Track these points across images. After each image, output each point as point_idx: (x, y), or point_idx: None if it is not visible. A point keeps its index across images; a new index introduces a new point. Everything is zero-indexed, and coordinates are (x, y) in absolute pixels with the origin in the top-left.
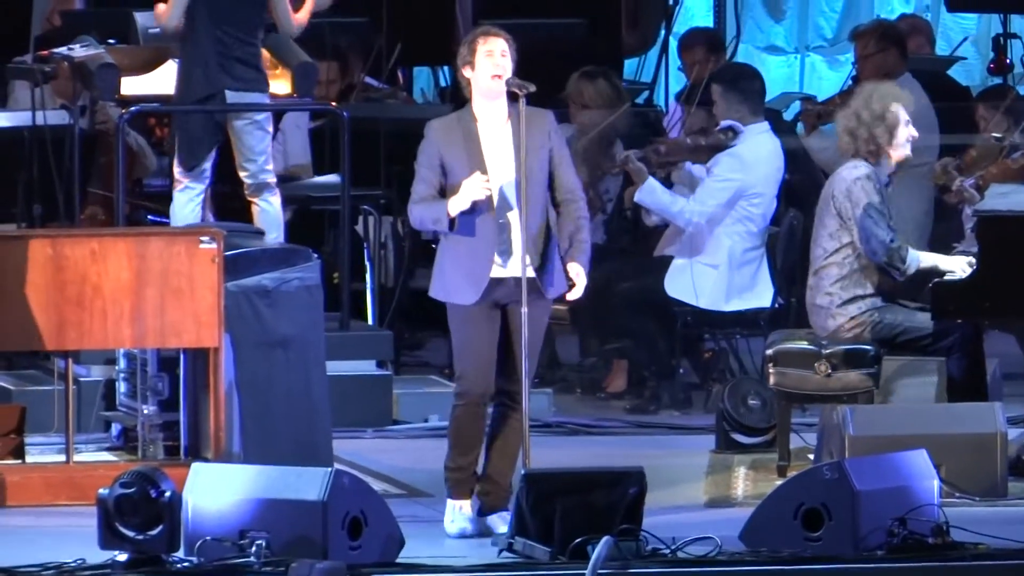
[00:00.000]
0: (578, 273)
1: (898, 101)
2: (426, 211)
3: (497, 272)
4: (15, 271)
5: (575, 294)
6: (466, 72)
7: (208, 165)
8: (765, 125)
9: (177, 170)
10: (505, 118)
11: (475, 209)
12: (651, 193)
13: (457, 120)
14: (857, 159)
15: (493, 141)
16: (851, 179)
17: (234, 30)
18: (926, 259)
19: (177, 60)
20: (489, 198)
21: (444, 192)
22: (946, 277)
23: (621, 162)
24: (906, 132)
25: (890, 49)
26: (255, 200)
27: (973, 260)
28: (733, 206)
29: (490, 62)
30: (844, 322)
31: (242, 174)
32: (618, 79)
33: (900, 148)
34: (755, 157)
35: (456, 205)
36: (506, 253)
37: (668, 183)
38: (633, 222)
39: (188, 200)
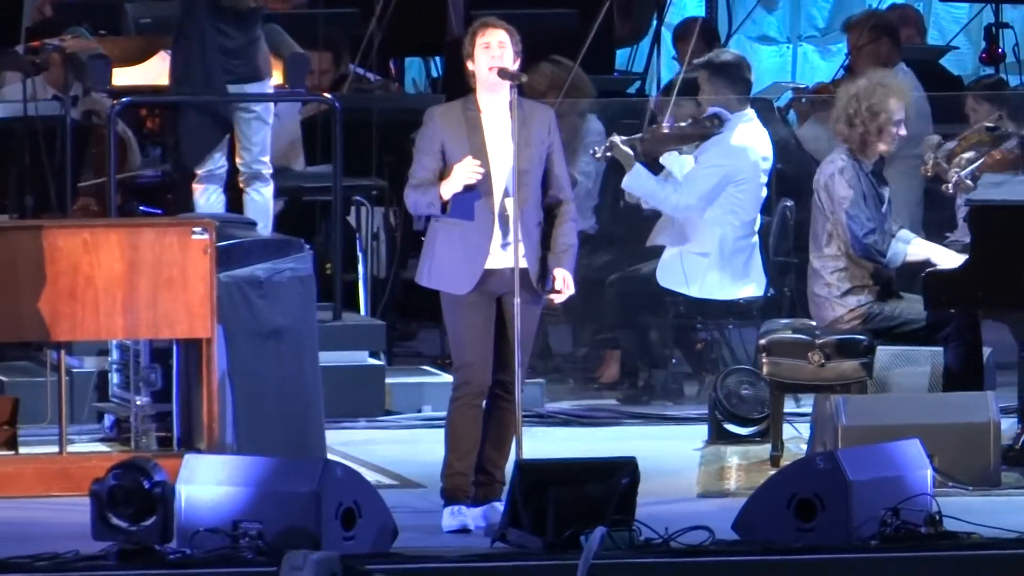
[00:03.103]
0: (565, 278)
1: (898, 97)
2: (421, 195)
3: (492, 263)
4: (7, 263)
5: (562, 299)
6: (469, 65)
7: (220, 158)
8: (751, 113)
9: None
10: (507, 110)
11: (473, 196)
12: (638, 179)
13: (461, 107)
14: (840, 150)
15: (495, 131)
16: (828, 174)
17: (232, 22)
18: (918, 251)
19: (170, 52)
20: (488, 186)
21: (442, 178)
22: (939, 267)
23: (607, 148)
24: (894, 132)
25: (882, 39)
26: (247, 188)
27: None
28: (720, 193)
29: (487, 54)
30: (843, 313)
31: (238, 161)
32: (560, 58)
33: (885, 145)
34: (741, 144)
35: (448, 188)
36: (502, 243)
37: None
38: (625, 212)
39: (204, 192)
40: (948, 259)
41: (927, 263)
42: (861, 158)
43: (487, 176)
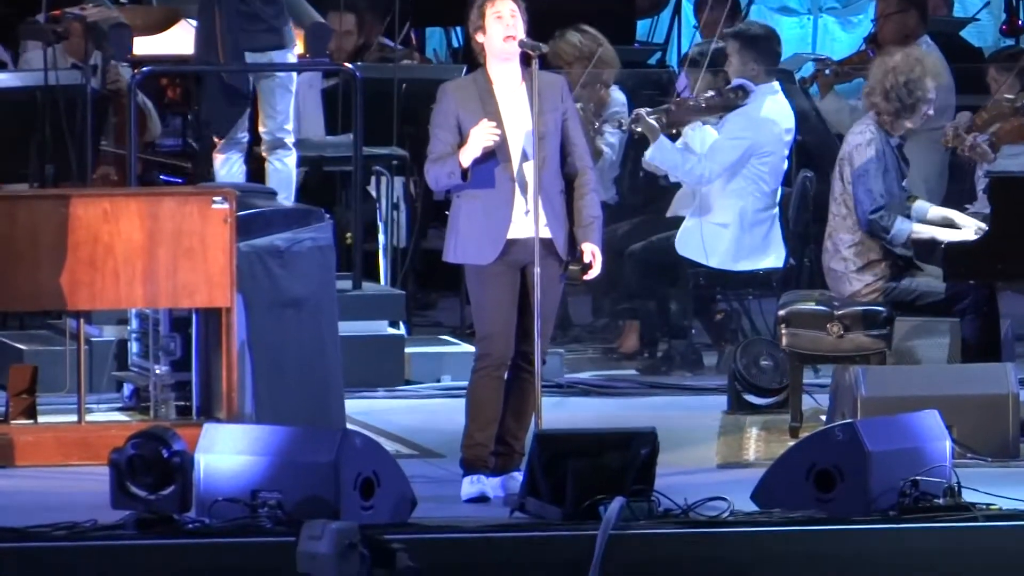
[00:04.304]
0: (594, 253)
1: (933, 76)
2: (440, 167)
3: (515, 232)
4: (27, 231)
5: (593, 274)
6: (479, 37)
7: (243, 129)
8: (776, 85)
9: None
10: (519, 80)
11: (491, 164)
12: (662, 151)
13: (472, 81)
14: (867, 121)
15: (508, 99)
16: (854, 144)
17: None
18: (924, 229)
19: (195, 21)
20: (506, 152)
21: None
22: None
23: (633, 120)
24: (924, 109)
25: (911, 10)
26: (269, 157)
27: (980, 228)
28: (744, 165)
29: (500, 25)
30: (860, 288)
31: (261, 129)
32: (587, 27)
33: (912, 123)
34: (765, 116)
35: (467, 154)
36: (524, 210)
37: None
38: (645, 183)
39: (225, 161)
40: (954, 236)
41: (932, 241)
42: (889, 131)
43: (504, 142)
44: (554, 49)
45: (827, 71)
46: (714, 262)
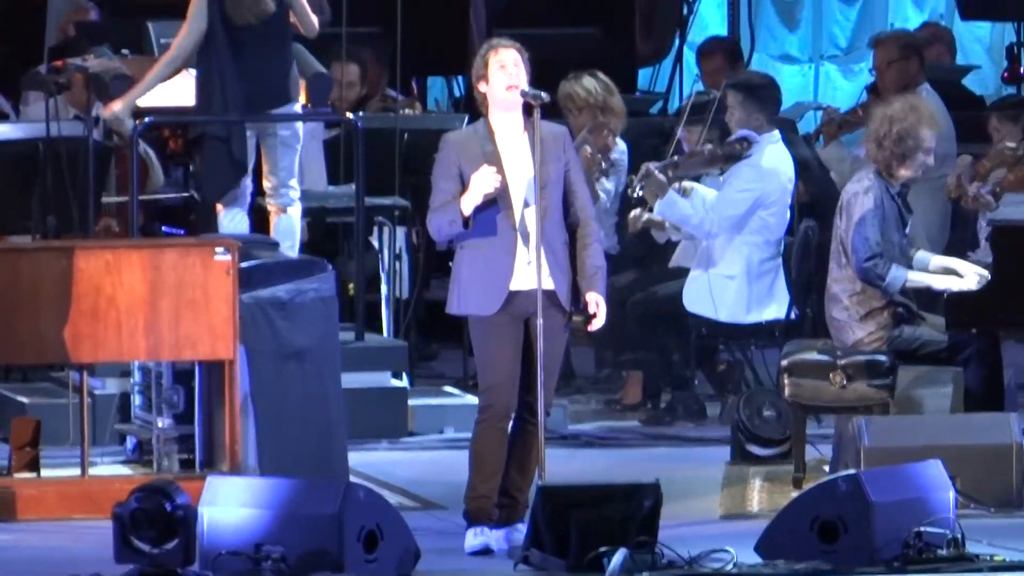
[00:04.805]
0: (598, 302)
1: (929, 125)
2: (442, 215)
3: (517, 283)
4: (29, 283)
5: (597, 325)
6: (481, 87)
7: (246, 184)
8: (778, 134)
9: None
10: (521, 130)
11: (493, 212)
12: (671, 206)
13: (474, 132)
14: (868, 170)
15: (511, 152)
16: (852, 193)
17: (255, 44)
18: (920, 277)
19: (195, 74)
20: (508, 201)
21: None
22: (952, 289)
23: (644, 175)
24: (921, 158)
25: (911, 58)
26: (274, 210)
27: (977, 278)
28: (752, 216)
29: (503, 74)
30: (863, 336)
31: (265, 185)
32: (602, 75)
33: (909, 171)
34: (771, 166)
35: (468, 201)
36: (527, 260)
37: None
38: (646, 232)
39: (228, 212)
40: (949, 284)
41: (928, 289)
42: (888, 180)
43: (506, 191)
44: (566, 91)
45: (831, 119)
46: (724, 315)
